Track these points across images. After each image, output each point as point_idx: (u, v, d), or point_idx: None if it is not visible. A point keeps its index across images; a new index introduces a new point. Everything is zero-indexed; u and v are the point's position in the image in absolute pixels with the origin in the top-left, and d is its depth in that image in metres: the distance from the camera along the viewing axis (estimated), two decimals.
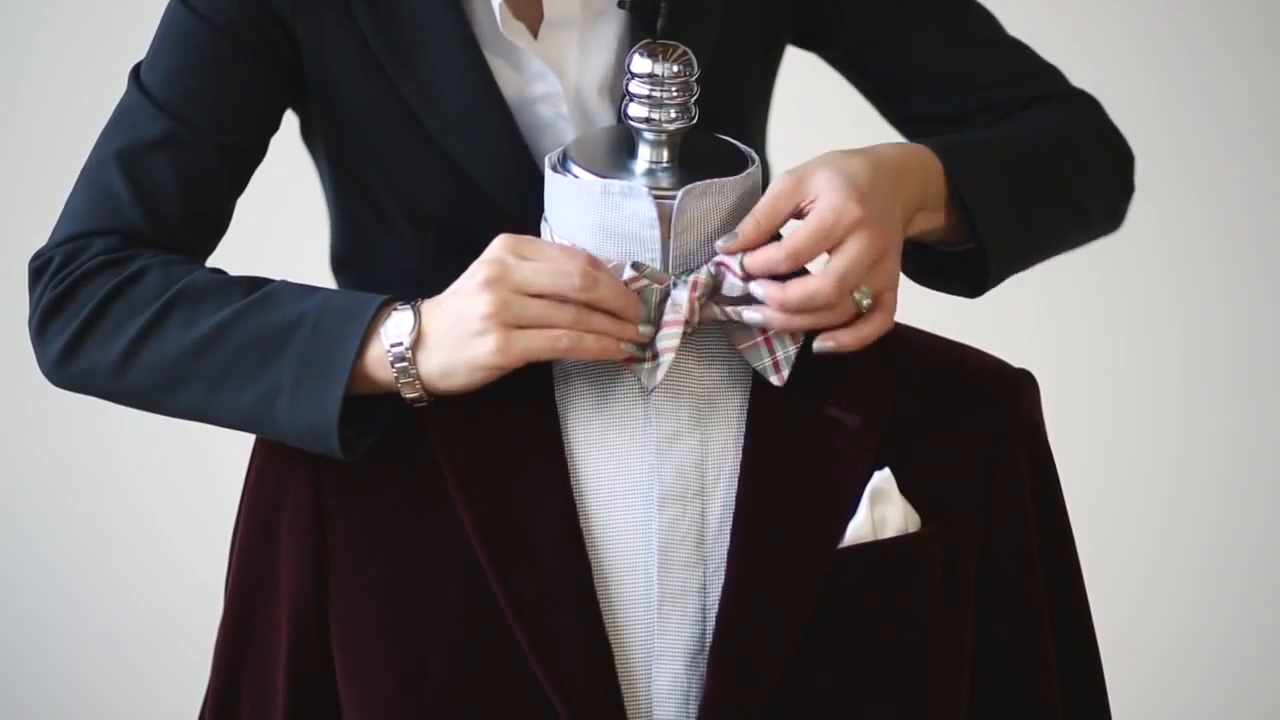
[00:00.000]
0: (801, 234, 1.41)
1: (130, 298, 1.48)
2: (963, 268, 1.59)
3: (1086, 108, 1.70)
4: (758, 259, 1.41)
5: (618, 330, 1.40)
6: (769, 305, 1.41)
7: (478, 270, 1.41)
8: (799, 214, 1.43)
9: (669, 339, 1.41)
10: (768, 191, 1.44)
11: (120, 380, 1.48)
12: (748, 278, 1.41)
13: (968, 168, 1.55)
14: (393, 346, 1.41)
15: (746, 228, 1.42)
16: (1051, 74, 1.72)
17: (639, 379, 1.42)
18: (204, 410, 1.47)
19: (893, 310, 1.45)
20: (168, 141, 1.56)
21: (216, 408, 1.46)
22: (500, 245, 1.42)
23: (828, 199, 1.42)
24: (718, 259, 1.42)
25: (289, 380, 1.43)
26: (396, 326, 1.42)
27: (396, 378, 1.42)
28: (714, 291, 1.42)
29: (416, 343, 1.42)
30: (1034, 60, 1.72)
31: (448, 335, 1.41)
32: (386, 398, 1.44)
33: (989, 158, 1.58)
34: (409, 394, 1.42)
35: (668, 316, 1.41)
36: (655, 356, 1.41)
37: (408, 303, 1.43)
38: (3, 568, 3.08)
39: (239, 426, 1.47)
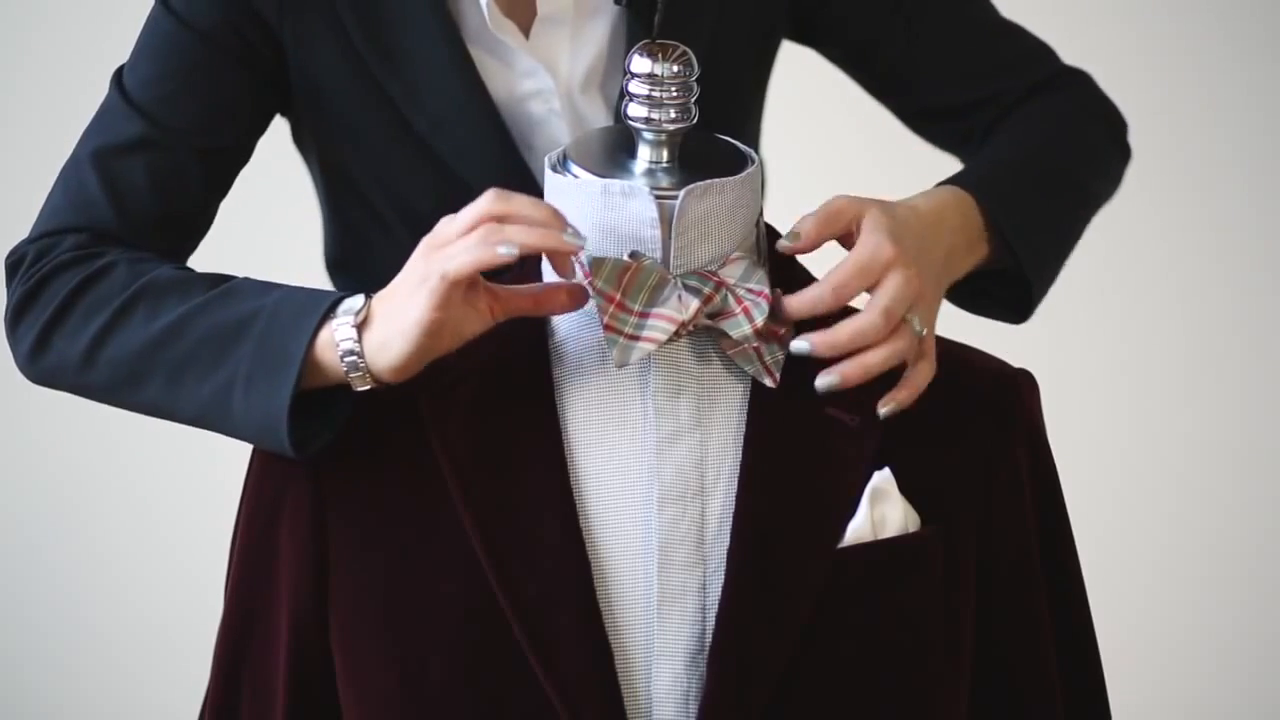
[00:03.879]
0: (844, 269, 1.43)
1: (95, 292, 1.49)
2: (999, 289, 1.61)
3: (1082, 88, 1.73)
4: (804, 300, 1.43)
5: (524, 234, 1.36)
6: (820, 351, 1.42)
7: (420, 244, 1.41)
8: (844, 236, 1.46)
9: (656, 330, 1.40)
10: (826, 206, 1.45)
11: (87, 375, 1.49)
12: (787, 325, 1.43)
13: (1003, 202, 1.57)
14: (340, 324, 1.40)
15: (807, 228, 1.44)
16: (1047, 55, 1.74)
17: (611, 351, 1.41)
18: (167, 404, 1.47)
19: (933, 354, 1.46)
20: (143, 143, 1.56)
21: (177, 402, 1.46)
22: (439, 223, 1.41)
23: (866, 237, 1.44)
24: (783, 246, 1.43)
25: (243, 372, 1.42)
26: (347, 307, 1.41)
27: (343, 356, 1.40)
28: (715, 315, 1.42)
29: (365, 322, 1.41)
30: (1029, 43, 1.74)
31: (389, 304, 1.40)
32: (342, 398, 1.43)
33: (1018, 183, 1.61)
34: (355, 375, 1.40)
35: (666, 310, 1.41)
36: (636, 337, 1.41)
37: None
38: (3, 569, 3.08)
39: (198, 423, 1.46)
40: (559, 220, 1.38)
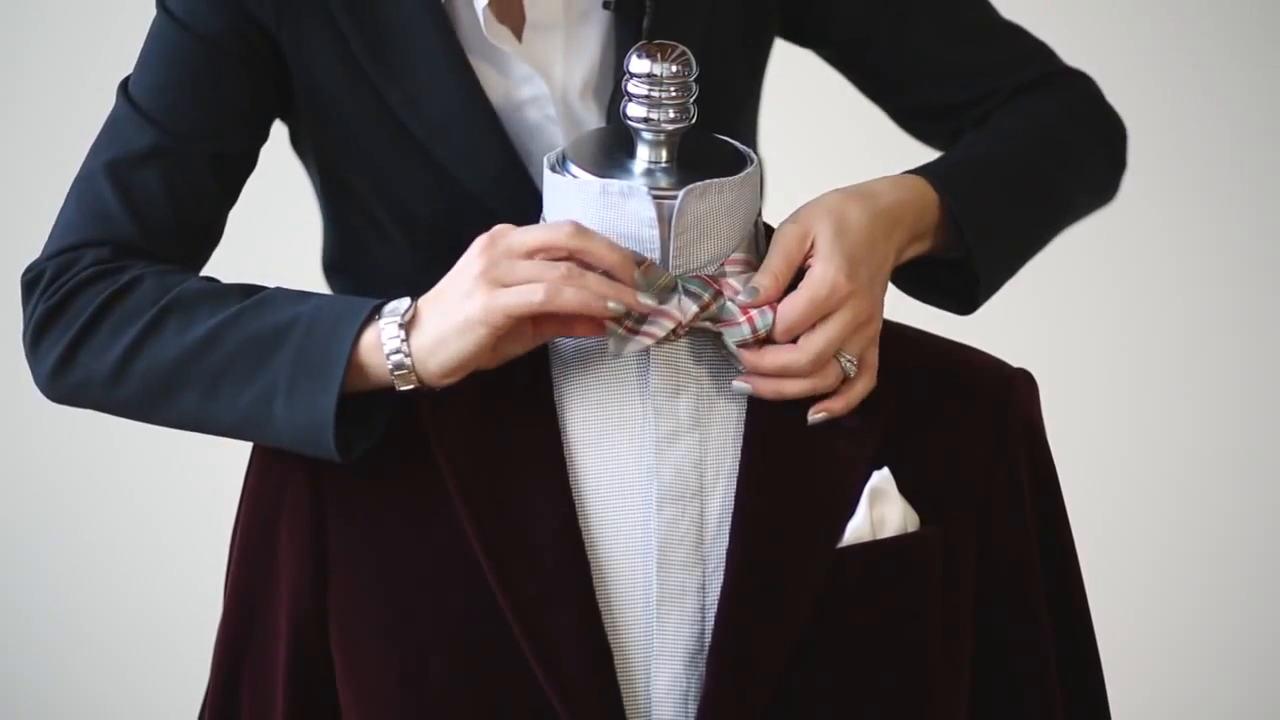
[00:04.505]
0: (796, 308, 1.43)
1: (124, 307, 1.48)
2: (950, 279, 1.60)
3: (1076, 90, 1.71)
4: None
5: (612, 291, 1.39)
6: (745, 366, 1.43)
7: (475, 242, 1.42)
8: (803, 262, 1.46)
9: (655, 326, 1.41)
10: (777, 243, 1.45)
11: (116, 390, 1.48)
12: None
13: (963, 197, 1.56)
14: (387, 324, 1.41)
15: (766, 283, 1.43)
16: (1043, 56, 1.72)
17: (609, 342, 1.41)
18: (201, 416, 1.46)
19: (874, 368, 1.46)
20: (157, 152, 1.56)
21: (213, 413, 1.45)
22: (498, 226, 1.42)
23: (822, 268, 1.43)
24: (741, 302, 1.42)
25: (284, 381, 1.42)
26: (393, 308, 1.42)
27: (389, 355, 1.40)
28: (716, 320, 1.42)
29: (411, 322, 1.41)
30: (1026, 43, 1.73)
31: (441, 304, 1.41)
32: (382, 400, 1.43)
33: (982, 179, 1.59)
34: (400, 374, 1.40)
35: (667, 307, 1.41)
36: (635, 330, 1.41)
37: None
38: (3, 570, 3.08)
39: (236, 433, 1.46)
40: (628, 276, 1.39)
